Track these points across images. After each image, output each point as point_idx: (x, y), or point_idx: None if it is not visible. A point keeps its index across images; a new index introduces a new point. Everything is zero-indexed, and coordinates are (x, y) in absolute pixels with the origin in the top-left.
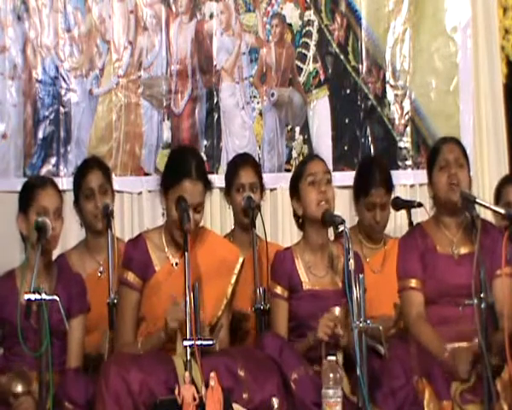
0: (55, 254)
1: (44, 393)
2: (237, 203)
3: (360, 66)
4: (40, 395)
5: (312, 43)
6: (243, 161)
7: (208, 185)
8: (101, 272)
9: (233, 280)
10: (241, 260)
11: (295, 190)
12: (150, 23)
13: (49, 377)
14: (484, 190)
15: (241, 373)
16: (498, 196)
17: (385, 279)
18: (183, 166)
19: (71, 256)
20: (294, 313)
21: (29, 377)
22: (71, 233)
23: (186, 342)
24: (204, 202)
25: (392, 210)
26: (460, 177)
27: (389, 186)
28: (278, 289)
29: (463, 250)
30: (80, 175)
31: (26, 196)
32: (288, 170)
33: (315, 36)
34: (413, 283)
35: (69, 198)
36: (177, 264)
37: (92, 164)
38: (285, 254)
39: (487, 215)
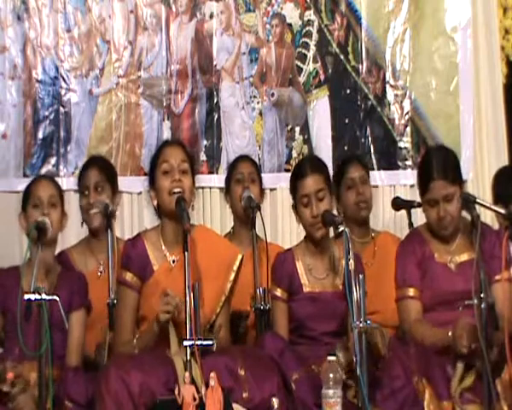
0: (56, 251)
1: (44, 392)
2: (236, 196)
3: (360, 66)
4: (40, 394)
5: (312, 43)
6: (241, 157)
7: (189, 155)
8: (101, 272)
9: (232, 277)
10: (239, 257)
11: (294, 203)
12: (150, 23)
13: (49, 377)
14: (484, 190)
15: (241, 373)
16: (507, 193)
17: (376, 273)
18: (160, 148)
19: (72, 254)
20: (295, 315)
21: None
22: (71, 232)
23: (186, 342)
24: (187, 166)
25: (392, 210)
26: (448, 214)
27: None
28: (278, 292)
29: (461, 258)
30: (80, 173)
31: (24, 194)
32: (288, 170)
33: (315, 36)
34: (411, 292)
35: (69, 198)
36: (174, 261)
37: (91, 162)
38: (285, 256)
39: (487, 215)
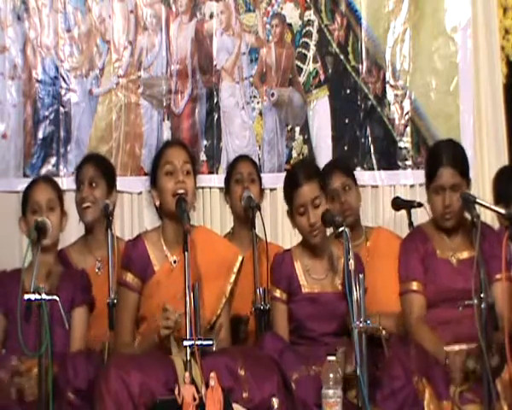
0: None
1: (44, 388)
2: (236, 196)
3: (360, 66)
4: (40, 391)
5: (312, 43)
6: (241, 157)
7: (192, 156)
8: (98, 269)
9: (232, 279)
10: (240, 258)
11: (290, 210)
12: (150, 23)
13: (50, 377)
14: (484, 190)
15: (241, 373)
16: (508, 192)
17: (371, 272)
18: (163, 148)
19: (70, 252)
20: (294, 316)
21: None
22: (71, 232)
23: (186, 342)
24: (190, 166)
25: (392, 210)
26: (454, 203)
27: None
28: (277, 293)
29: (463, 255)
30: (76, 169)
31: (23, 199)
32: (288, 170)
33: (315, 36)
34: (414, 285)
35: (69, 198)
36: (175, 262)
37: (88, 158)
38: (284, 257)
39: (487, 215)
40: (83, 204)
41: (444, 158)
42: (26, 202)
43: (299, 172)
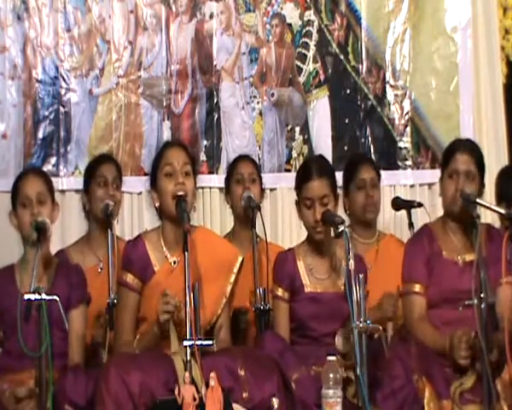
0: (54, 250)
1: (44, 393)
2: (237, 196)
3: (360, 66)
4: (40, 396)
5: (312, 43)
6: (241, 157)
7: (191, 156)
8: (101, 269)
9: (232, 279)
10: (240, 259)
11: (298, 201)
12: (150, 23)
13: (50, 376)
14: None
15: (241, 373)
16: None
17: (377, 275)
18: (163, 149)
19: (70, 252)
20: (296, 315)
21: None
22: (72, 232)
23: (186, 342)
24: (190, 168)
25: (392, 210)
26: (467, 191)
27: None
28: (279, 291)
29: (469, 257)
30: (96, 164)
31: (13, 192)
32: (288, 170)
33: (315, 36)
34: (417, 288)
35: (69, 198)
36: (175, 262)
37: (108, 157)
38: (287, 256)
39: (487, 215)
40: (107, 201)
41: (462, 146)
42: (16, 196)
43: (313, 166)
